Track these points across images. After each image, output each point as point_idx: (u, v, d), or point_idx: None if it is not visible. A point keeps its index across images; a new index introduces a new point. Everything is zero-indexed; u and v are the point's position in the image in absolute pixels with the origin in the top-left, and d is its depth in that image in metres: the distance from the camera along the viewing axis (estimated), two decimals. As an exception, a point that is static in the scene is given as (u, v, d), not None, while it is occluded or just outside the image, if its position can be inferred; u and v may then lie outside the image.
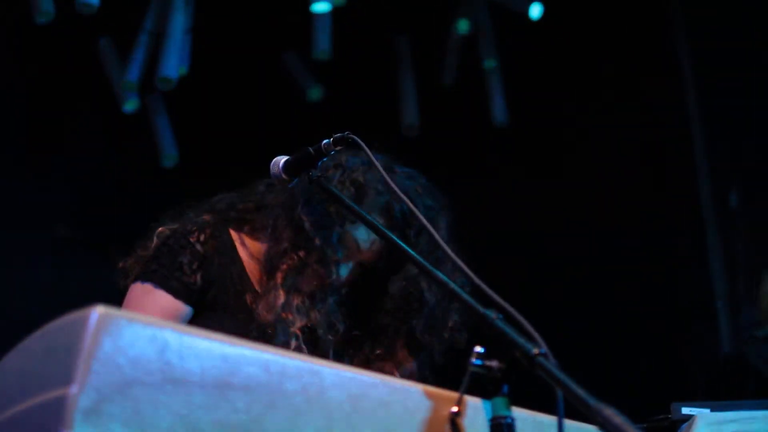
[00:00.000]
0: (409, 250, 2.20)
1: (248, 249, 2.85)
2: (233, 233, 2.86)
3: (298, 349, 2.70)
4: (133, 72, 6.35)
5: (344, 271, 2.84)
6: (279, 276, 2.75)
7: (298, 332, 2.70)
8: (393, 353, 2.91)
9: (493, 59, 7.16)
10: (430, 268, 2.08)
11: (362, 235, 2.81)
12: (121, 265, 2.85)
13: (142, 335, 1.41)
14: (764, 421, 2.80)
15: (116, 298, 2.82)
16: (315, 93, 7.12)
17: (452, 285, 1.98)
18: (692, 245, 6.82)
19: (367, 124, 6.85)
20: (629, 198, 6.81)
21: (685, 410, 2.92)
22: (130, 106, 6.70)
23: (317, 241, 2.74)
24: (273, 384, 1.54)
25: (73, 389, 1.32)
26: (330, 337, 2.77)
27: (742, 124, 6.76)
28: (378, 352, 2.92)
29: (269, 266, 2.77)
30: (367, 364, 2.88)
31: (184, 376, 1.43)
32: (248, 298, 2.77)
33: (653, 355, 6.55)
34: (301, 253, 2.75)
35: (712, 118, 6.97)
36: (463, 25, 7.06)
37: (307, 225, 2.75)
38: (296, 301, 2.72)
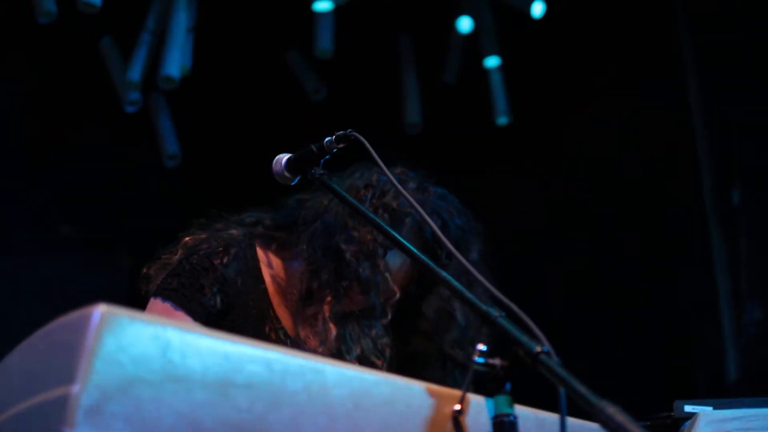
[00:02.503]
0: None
1: (273, 269, 2.82)
2: (260, 251, 2.83)
3: None
4: (136, 71, 6.34)
5: (384, 292, 2.83)
6: (326, 308, 2.74)
7: (356, 362, 2.70)
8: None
9: (495, 57, 7.16)
10: (433, 266, 2.08)
11: (395, 261, 2.81)
12: (144, 270, 2.83)
13: (145, 334, 1.41)
14: (766, 419, 2.80)
15: (120, 297, 2.82)
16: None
17: (455, 284, 1.98)
18: (695, 242, 6.81)
19: (369, 122, 6.86)
20: (632, 195, 6.81)
21: (688, 408, 2.92)
22: (133, 105, 6.70)
23: (361, 271, 2.73)
24: (275, 382, 1.54)
25: (76, 388, 1.32)
26: (379, 362, 2.77)
27: (744, 121, 6.75)
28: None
29: (308, 294, 2.75)
30: None
31: (186, 374, 1.43)
32: (267, 326, 2.75)
33: (656, 352, 6.55)
34: (345, 283, 2.74)
35: (714, 114, 6.96)
36: (465, 24, 7.05)
37: (348, 255, 2.73)
38: (347, 331, 2.72)
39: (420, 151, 7.11)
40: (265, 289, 2.78)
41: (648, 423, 3.01)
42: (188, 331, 1.47)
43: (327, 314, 2.71)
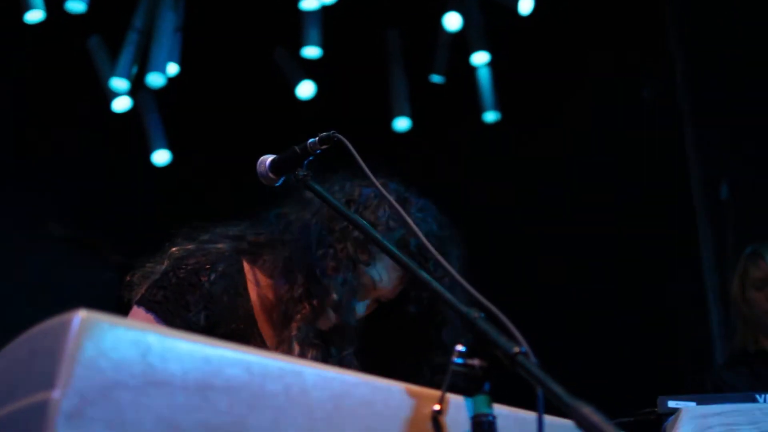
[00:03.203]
0: (398, 252, 2.19)
1: (260, 288, 2.80)
2: (247, 268, 2.81)
3: None
4: (123, 70, 6.35)
5: (361, 309, 2.83)
6: (294, 326, 2.73)
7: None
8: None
9: (483, 53, 7.17)
10: (413, 266, 2.09)
11: (377, 274, 2.81)
12: (128, 278, 2.82)
13: (125, 339, 1.42)
14: (748, 414, 2.82)
15: (109, 295, 2.82)
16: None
17: (435, 284, 1.99)
18: (683, 238, 6.84)
19: (358, 119, 6.90)
20: (620, 191, 6.84)
21: (672, 403, 2.94)
22: (121, 104, 6.71)
23: (333, 288, 2.72)
24: (255, 385, 1.55)
25: (56, 393, 1.33)
26: None
27: (733, 117, 6.78)
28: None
29: (283, 312, 2.75)
30: None
31: (166, 378, 1.44)
32: (251, 344, 2.72)
33: (645, 348, 6.58)
34: (315, 302, 2.73)
35: (703, 110, 6.99)
36: (452, 20, 7.06)
37: (319, 271, 2.73)
38: (310, 354, 2.71)
39: (407, 147, 7.16)
40: (251, 308, 2.76)
41: (632, 418, 3.03)
42: (168, 336, 1.48)
43: (293, 332, 2.71)
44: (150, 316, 2.65)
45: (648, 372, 6.29)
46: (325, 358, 2.73)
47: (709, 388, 4.88)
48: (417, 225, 2.30)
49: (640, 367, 6.38)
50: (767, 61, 6.52)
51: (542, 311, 6.65)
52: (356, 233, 2.69)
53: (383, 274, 2.79)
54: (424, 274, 2.05)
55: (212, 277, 2.71)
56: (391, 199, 2.29)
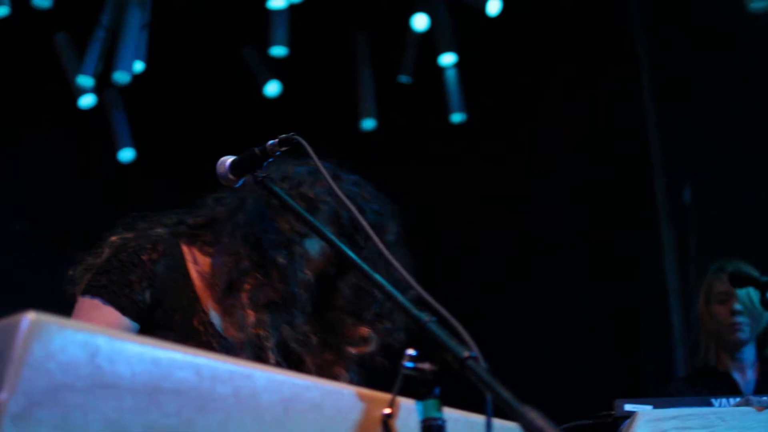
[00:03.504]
0: (352, 254, 2.22)
1: (200, 266, 2.84)
2: (185, 249, 2.85)
3: (277, 365, 2.73)
4: (90, 67, 6.33)
5: (304, 278, 2.85)
6: (243, 295, 2.77)
7: (275, 347, 2.73)
8: (341, 354, 2.94)
9: (450, 54, 7.18)
10: (368, 270, 2.11)
11: (313, 247, 2.84)
12: (70, 272, 2.83)
13: (73, 341, 1.42)
14: (703, 418, 2.84)
15: (72, 293, 2.82)
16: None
17: (389, 288, 2.00)
18: (646, 240, 6.88)
19: (325, 119, 6.90)
20: (584, 193, 6.86)
21: (628, 407, 2.97)
22: (87, 101, 6.69)
23: (279, 259, 2.77)
24: (204, 388, 1.55)
25: (3, 395, 1.33)
26: (302, 348, 2.81)
27: (697, 122, 6.83)
28: (329, 356, 2.94)
29: (228, 284, 2.78)
30: (321, 371, 2.90)
31: (114, 380, 1.44)
32: (195, 320, 2.76)
33: (607, 349, 6.62)
34: (262, 272, 2.77)
35: (668, 115, 7.03)
36: (420, 21, 7.07)
37: (265, 243, 2.77)
38: (266, 317, 2.74)
39: (374, 147, 7.16)
40: (193, 285, 2.80)
41: (590, 421, 3.05)
42: (117, 338, 1.48)
43: (245, 300, 2.75)
44: (96, 301, 2.66)
45: (610, 374, 6.33)
46: (277, 323, 2.77)
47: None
48: (352, 199, 2.37)
49: (602, 369, 6.41)
50: (731, 66, 6.57)
51: (504, 313, 6.69)
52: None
53: (317, 248, 2.84)
54: (378, 277, 2.06)
55: (154, 256, 2.74)
56: (342, 194, 2.32)
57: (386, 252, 2.08)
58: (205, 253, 2.87)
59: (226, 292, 2.78)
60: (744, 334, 5.01)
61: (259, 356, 2.74)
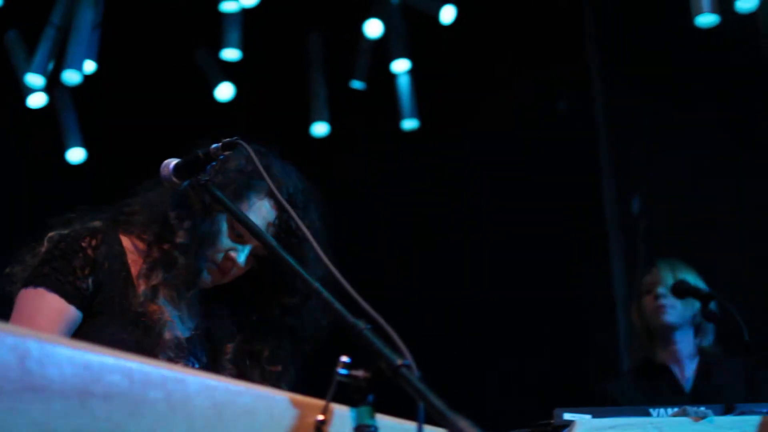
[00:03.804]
0: (289, 258, 2.22)
1: (137, 253, 2.84)
2: (123, 237, 2.84)
3: (173, 341, 2.72)
4: (40, 66, 6.29)
5: (219, 257, 2.83)
6: (144, 267, 2.77)
7: (170, 320, 2.72)
8: (277, 356, 2.94)
9: (404, 61, 7.19)
10: (305, 274, 2.11)
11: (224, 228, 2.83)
12: (7, 270, 2.82)
13: (3, 343, 1.41)
14: (641, 427, 2.87)
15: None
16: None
17: (326, 294, 2.01)
18: (594, 248, 6.93)
19: (276, 122, 6.88)
20: (535, 201, 6.90)
21: (567, 416, 2.98)
22: (36, 100, 6.64)
23: (180, 232, 2.76)
24: (136, 392, 1.54)
25: (-71, 398, 1.32)
26: (201, 329, 2.81)
27: (646, 132, 6.89)
28: (271, 368, 2.93)
29: (148, 270, 2.78)
30: (263, 377, 2.90)
31: (44, 384, 1.43)
32: (132, 306, 2.76)
33: (554, 357, 6.65)
34: (166, 246, 2.77)
35: (618, 124, 7.09)
36: (374, 27, 7.07)
37: (172, 217, 2.76)
38: (163, 292, 2.73)
39: (325, 152, 7.16)
40: (131, 273, 2.79)
41: (528, 430, 3.07)
42: (48, 341, 1.47)
43: (143, 272, 2.75)
44: (40, 290, 2.66)
45: (556, 381, 6.37)
46: (178, 299, 2.75)
47: (609, 399, 4.94)
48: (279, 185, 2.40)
49: (547, 377, 6.45)
50: (682, 79, 6.63)
51: (448, 319, 6.71)
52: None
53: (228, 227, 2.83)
54: (318, 285, 2.07)
55: (93, 242, 2.74)
56: (269, 179, 2.33)
57: (324, 257, 2.08)
58: (141, 240, 2.86)
59: (148, 277, 2.77)
60: (669, 316, 4.91)
61: (159, 332, 2.73)
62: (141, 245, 2.85)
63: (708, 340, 4.99)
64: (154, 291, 2.74)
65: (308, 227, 2.32)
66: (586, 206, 6.99)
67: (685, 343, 4.99)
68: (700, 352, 4.99)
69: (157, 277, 2.75)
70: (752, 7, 5.11)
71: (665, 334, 4.99)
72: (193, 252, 2.76)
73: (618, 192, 7.02)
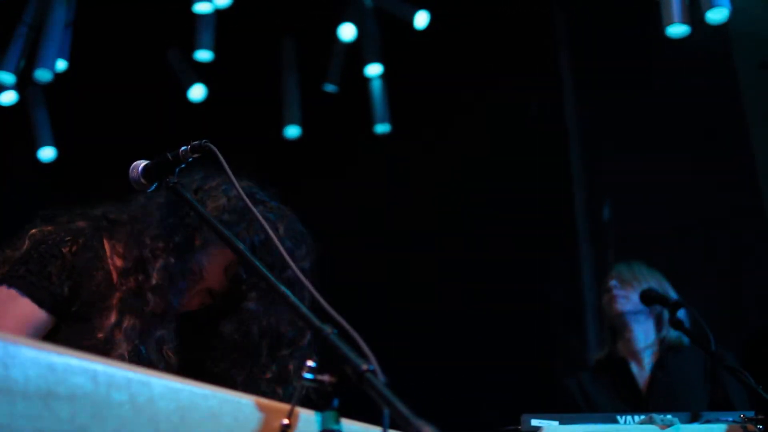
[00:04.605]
0: (257, 262, 2.22)
1: (117, 260, 2.83)
2: (107, 243, 2.83)
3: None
4: (11, 64, 6.25)
5: (185, 296, 2.83)
6: (117, 295, 2.75)
7: (126, 354, 2.68)
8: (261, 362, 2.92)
9: (377, 65, 7.21)
10: (273, 279, 2.11)
11: (204, 261, 2.83)
12: None
13: (-33, 344, 1.41)
14: (607, 434, 2.88)
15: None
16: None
17: (293, 298, 2.00)
18: (564, 256, 6.95)
19: (249, 124, 6.86)
20: (505, 207, 6.91)
21: (535, 422, 2.99)
22: (7, 98, 6.61)
23: (153, 272, 2.75)
24: (100, 394, 1.54)
25: None
26: (161, 366, 2.76)
27: (617, 141, 6.92)
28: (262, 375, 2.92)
29: (117, 283, 2.77)
30: (255, 386, 2.88)
31: (7, 385, 1.43)
32: (108, 313, 2.74)
33: (523, 363, 6.66)
34: (141, 277, 2.76)
35: (589, 132, 7.12)
36: (348, 31, 7.08)
37: (147, 252, 2.75)
38: (126, 323, 2.71)
39: (297, 155, 7.16)
40: (111, 278, 2.78)
41: (496, 436, 3.07)
42: (12, 343, 1.46)
43: (114, 301, 2.73)
44: (12, 292, 2.64)
45: (525, 388, 6.37)
46: (142, 333, 2.73)
47: (568, 393, 4.97)
48: (272, 224, 2.38)
49: (517, 383, 6.45)
50: (652, 85, 6.67)
51: (419, 325, 6.71)
52: (194, 219, 2.71)
53: (207, 262, 2.82)
54: (283, 288, 2.06)
55: (74, 248, 2.73)
56: (252, 207, 2.32)
57: (292, 263, 2.08)
58: (120, 257, 2.84)
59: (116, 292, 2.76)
60: (621, 305, 4.93)
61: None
62: (119, 261, 2.83)
63: (670, 331, 4.98)
64: (119, 319, 2.71)
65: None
66: (556, 214, 7.01)
67: (642, 333, 4.99)
68: (661, 342, 4.99)
69: (124, 306, 2.73)
70: (722, 18, 5.15)
71: (620, 324, 5.00)
72: (166, 291, 2.75)
73: (588, 199, 7.05)
